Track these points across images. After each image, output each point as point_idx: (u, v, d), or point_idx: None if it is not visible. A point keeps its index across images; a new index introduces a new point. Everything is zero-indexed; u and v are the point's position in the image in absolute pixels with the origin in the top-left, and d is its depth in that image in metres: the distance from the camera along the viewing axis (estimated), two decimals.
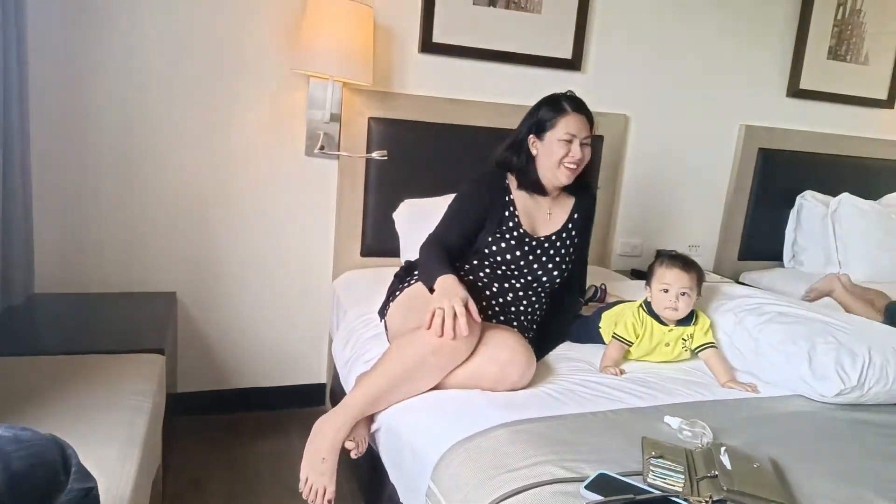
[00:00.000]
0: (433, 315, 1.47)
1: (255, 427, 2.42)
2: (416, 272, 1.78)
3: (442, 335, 1.44)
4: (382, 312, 1.83)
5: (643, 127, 2.84)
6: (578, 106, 1.78)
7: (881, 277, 2.84)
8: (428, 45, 2.42)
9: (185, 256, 2.31)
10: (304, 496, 1.46)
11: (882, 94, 3.23)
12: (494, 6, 2.47)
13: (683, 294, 1.71)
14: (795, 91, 3.03)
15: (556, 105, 1.78)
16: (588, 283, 2.10)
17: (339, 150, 2.36)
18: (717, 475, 1.10)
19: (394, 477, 1.49)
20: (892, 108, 3.26)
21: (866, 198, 3.00)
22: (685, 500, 1.06)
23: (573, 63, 2.63)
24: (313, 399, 2.60)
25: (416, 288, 1.70)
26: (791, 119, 3.08)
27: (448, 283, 1.55)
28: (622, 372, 1.67)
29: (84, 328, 1.95)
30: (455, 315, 1.45)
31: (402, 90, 2.44)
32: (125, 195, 2.20)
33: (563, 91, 1.83)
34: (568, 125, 1.74)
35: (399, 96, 2.42)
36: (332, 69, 2.14)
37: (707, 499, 1.06)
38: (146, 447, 1.37)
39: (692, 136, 2.94)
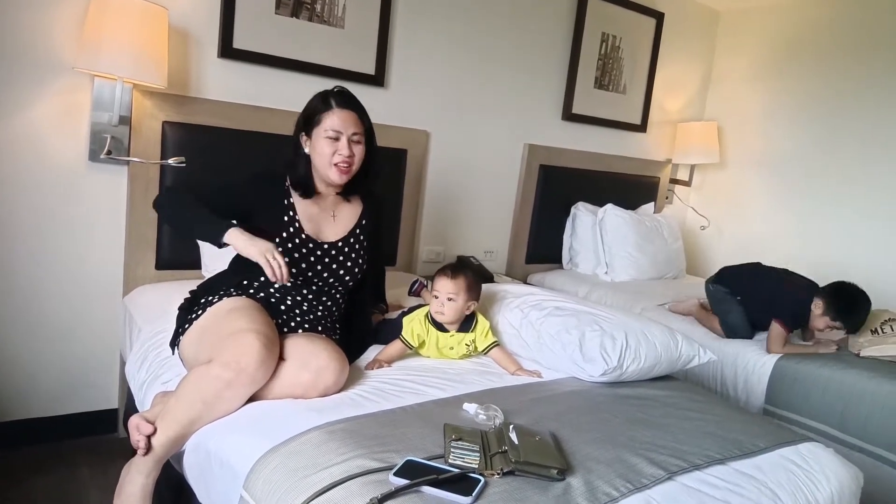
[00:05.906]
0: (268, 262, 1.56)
1: (33, 463, 2.16)
2: (202, 301, 1.70)
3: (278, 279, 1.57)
4: (173, 344, 1.73)
5: (442, 143, 3.03)
6: (345, 102, 1.73)
7: (640, 275, 3.33)
8: (228, 51, 2.36)
9: None
10: None
11: (637, 120, 3.77)
12: (297, 17, 2.49)
13: (450, 300, 1.81)
14: (569, 115, 3.43)
15: (322, 101, 1.73)
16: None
17: (129, 156, 2.20)
18: (506, 450, 1.26)
19: (202, 496, 1.44)
20: (645, 131, 3.84)
21: (626, 208, 3.47)
22: (480, 474, 1.19)
23: (377, 79, 2.73)
24: (104, 426, 2.38)
25: (207, 318, 1.64)
26: (566, 140, 3.48)
27: (245, 235, 1.60)
28: (389, 365, 1.78)
29: None
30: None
31: (200, 94, 2.35)
32: None
33: (333, 87, 1.79)
34: (332, 122, 1.70)
35: (198, 101, 2.32)
36: (121, 70, 2.01)
37: (499, 471, 1.21)
38: None
39: (485, 153, 3.20)
